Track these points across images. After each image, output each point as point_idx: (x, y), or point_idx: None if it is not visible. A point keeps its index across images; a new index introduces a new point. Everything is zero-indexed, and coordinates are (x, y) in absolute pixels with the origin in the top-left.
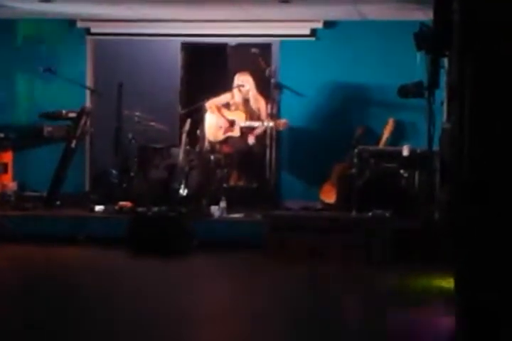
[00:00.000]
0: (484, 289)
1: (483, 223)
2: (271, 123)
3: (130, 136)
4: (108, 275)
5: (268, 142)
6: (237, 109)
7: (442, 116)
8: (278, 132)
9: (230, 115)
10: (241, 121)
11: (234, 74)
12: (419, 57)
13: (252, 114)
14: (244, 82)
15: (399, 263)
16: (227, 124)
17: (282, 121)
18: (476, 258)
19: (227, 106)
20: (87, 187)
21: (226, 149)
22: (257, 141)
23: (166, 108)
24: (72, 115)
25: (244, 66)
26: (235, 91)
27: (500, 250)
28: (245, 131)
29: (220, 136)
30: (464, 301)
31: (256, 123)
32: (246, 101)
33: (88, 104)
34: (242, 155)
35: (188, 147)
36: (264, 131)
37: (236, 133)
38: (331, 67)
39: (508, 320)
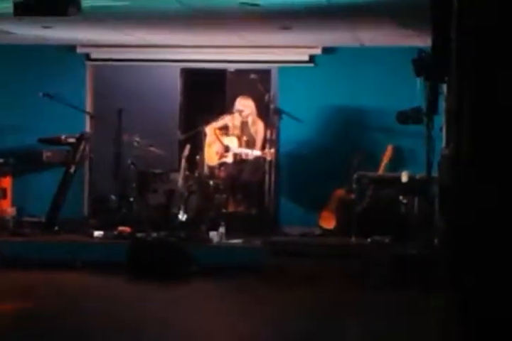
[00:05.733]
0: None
1: (482, 248)
2: (258, 153)
3: (129, 161)
4: (107, 301)
5: (267, 168)
6: (234, 132)
7: (441, 142)
8: (277, 158)
9: (225, 140)
10: (234, 146)
11: (233, 99)
12: (418, 83)
13: (248, 138)
14: (244, 107)
15: (397, 289)
16: (222, 149)
17: (271, 151)
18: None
19: (226, 128)
20: (86, 213)
21: (220, 174)
22: (250, 168)
23: (166, 133)
24: (71, 140)
25: (243, 92)
26: (235, 114)
27: (502, 274)
28: (238, 157)
29: (216, 161)
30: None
31: (245, 151)
32: (244, 124)
33: (87, 129)
34: (232, 180)
35: (187, 172)
36: (262, 158)
37: (229, 158)
38: (330, 93)
39: None
